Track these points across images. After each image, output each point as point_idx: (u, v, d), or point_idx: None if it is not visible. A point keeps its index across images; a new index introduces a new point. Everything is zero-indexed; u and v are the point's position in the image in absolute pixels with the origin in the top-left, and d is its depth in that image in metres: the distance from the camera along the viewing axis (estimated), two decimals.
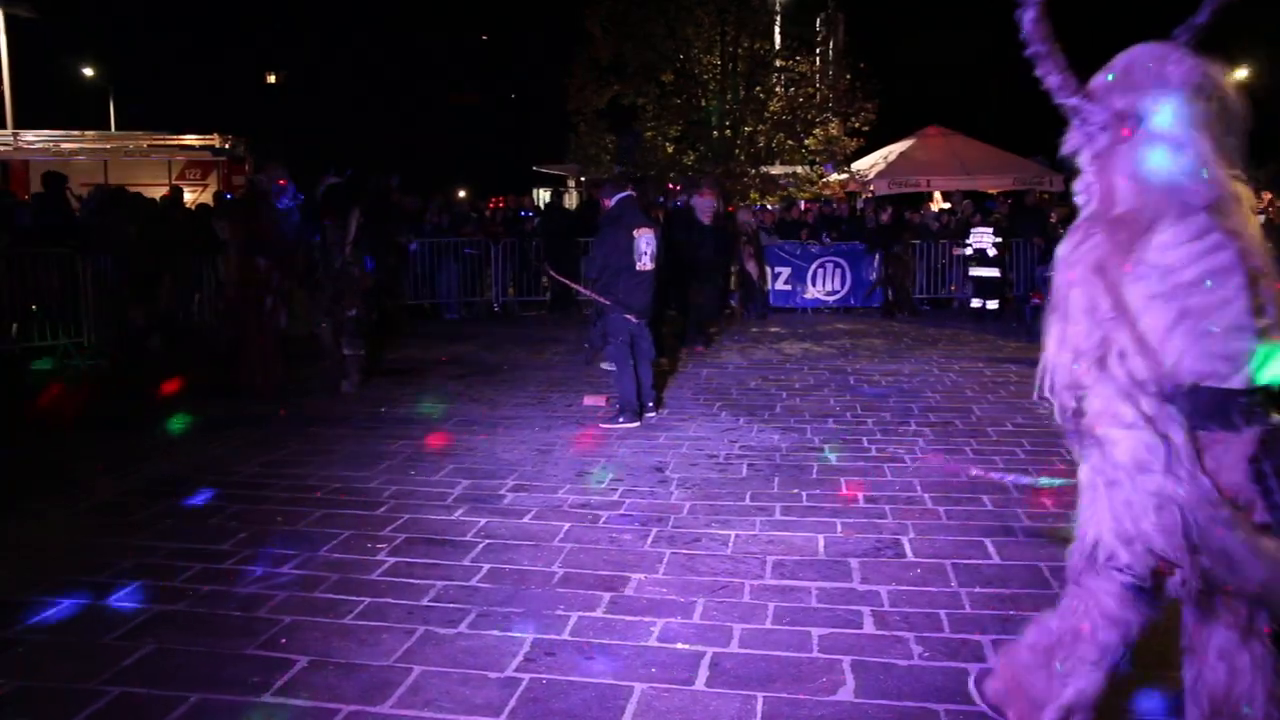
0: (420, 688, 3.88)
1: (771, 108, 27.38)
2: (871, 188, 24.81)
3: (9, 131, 23.87)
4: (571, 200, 30.42)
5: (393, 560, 5.25)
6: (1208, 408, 2.87)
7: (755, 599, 4.74)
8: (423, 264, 16.17)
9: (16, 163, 21.43)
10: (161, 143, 22.90)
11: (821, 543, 5.50)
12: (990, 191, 23.28)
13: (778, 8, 27.61)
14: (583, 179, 28.94)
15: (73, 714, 3.65)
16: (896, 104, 29.62)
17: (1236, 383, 2.82)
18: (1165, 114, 2.97)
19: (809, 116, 27.29)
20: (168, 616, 4.53)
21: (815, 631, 4.37)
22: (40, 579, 4.95)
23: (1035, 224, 16.22)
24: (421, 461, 7.24)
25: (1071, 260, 3.07)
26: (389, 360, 11.79)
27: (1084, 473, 3.12)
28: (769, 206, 21.86)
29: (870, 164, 26.88)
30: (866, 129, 27.82)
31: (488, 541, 5.55)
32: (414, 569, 5.13)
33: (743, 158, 27.02)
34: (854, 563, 5.19)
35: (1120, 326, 2.93)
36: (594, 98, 27.14)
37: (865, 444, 7.74)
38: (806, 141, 27.26)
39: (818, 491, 6.49)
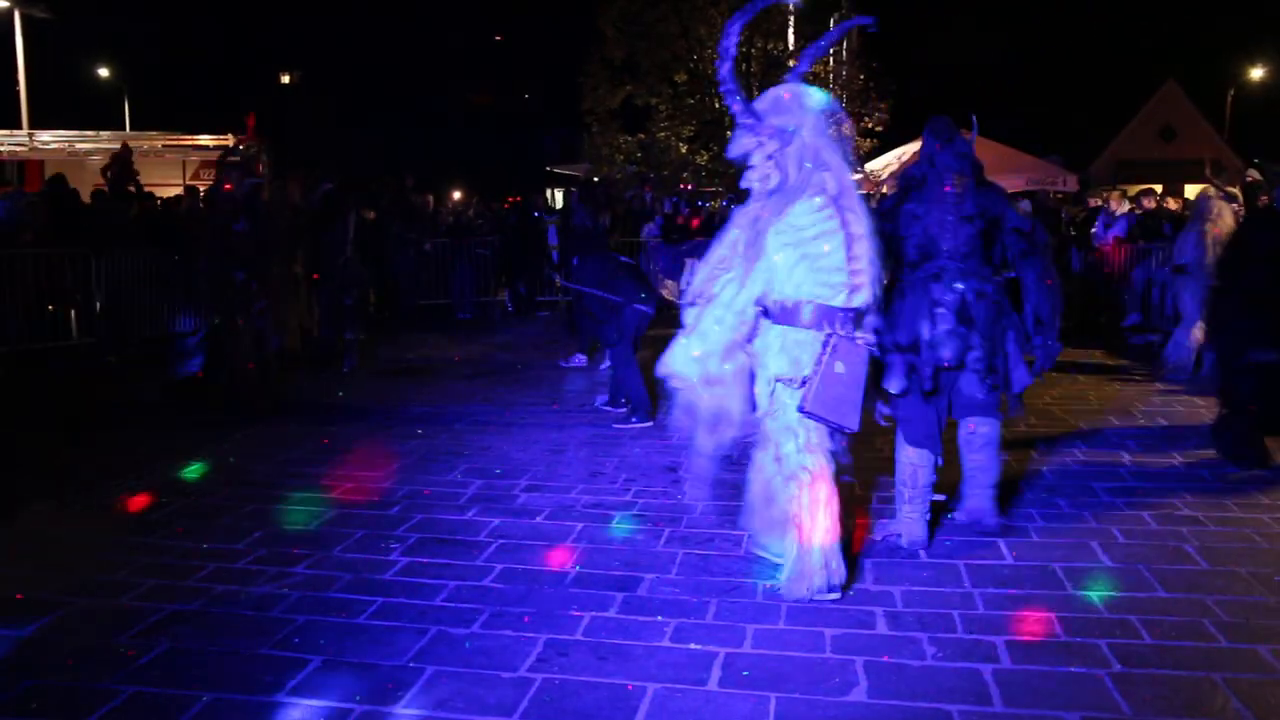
0: (433, 688, 3.88)
1: None
2: (885, 188, 24.76)
3: (24, 131, 23.95)
4: None
5: (406, 560, 5.26)
6: (826, 316, 4.54)
7: (768, 599, 4.73)
8: (436, 264, 16.17)
9: (32, 163, 21.50)
10: (175, 143, 22.93)
11: None
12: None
13: (791, 8, 27.57)
14: (595, 179, 28.96)
15: (86, 713, 3.67)
16: (910, 104, 29.57)
17: (837, 301, 4.53)
18: (809, 129, 4.61)
19: None
20: (181, 616, 4.54)
21: (828, 632, 4.36)
22: (54, 578, 4.97)
23: (1048, 224, 16.15)
24: (435, 461, 7.25)
25: (742, 217, 4.72)
26: (403, 360, 11.83)
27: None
28: None
29: (884, 164, 26.80)
30: (880, 129, 27.79)
31: (501, 542, 5.55)
32: (427, 569, 5.14)
33: None
34: (867, 563, 5.17)
35: (748, 258, 4.59)
36: (607, 98, 27.16)
37: (878, 444, 7.71)
38: None
39: None
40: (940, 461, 5.49)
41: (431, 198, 17.69)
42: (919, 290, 5.22)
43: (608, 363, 10.49)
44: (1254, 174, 14.23)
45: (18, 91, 29.25)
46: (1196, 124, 43.78)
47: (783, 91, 4.75)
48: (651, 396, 8.26)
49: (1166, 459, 7.20)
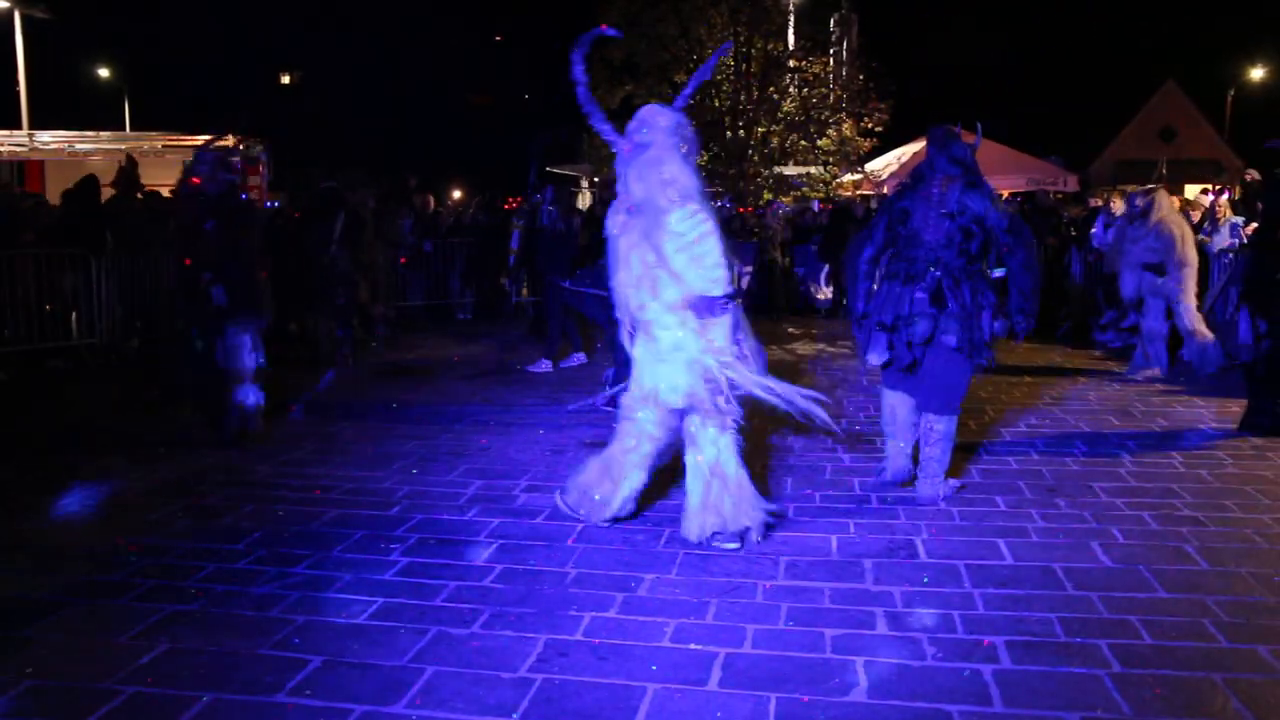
0: (433, 688, 3.88)
1: (785, 108, 27.38)
2: (885, 189, 24.77)
3: (24, 132, 23.94)
4: (584, 200, 30.41)
5: (406, 560, 5.26)
6: (708, 305, 5.27)
7: (768, 599, 4.73)
8: (436, 264, 16.16)
9: (32, 163, 21.48)
10: (176, 143, 22.91)
11: (834, 543, 5.49)
12: (1003, 193, 23.21)
13: (791, 8, 27.60)
14: (595, 179, 28.97)
15: (86, 714, 3.66)
16: (910, 104, 29.60)
17: (718, 292, 5.26)
18: (658, 145, 5.33)
19: (822, 117, 27.30)
20: (181, 616, 4.54)
21: (828, 632, 4.36)
22: (54, 578, 4.97)
23: (1048, 224, 16.14)
24: (435, 461, 7.25)
25: (626, 230, 5.42)
26: (403, 360, 11.83)
27: (639, 350, 5.50)
28: (784, 206, 21.84)
29: (884, 164, 26.87)
30: (880, 130, 27.82)
31: (501, 542, 5.55)
32: (427, 569, 5.14)
33: (756, 158, 27.02)
34: (867, 563, 5.18)
35: (662, 267, 5.25)
36: (607, 98, 27.18)
37: (879, 444, 7.71)
38: (820, 142, 27.25)
39: (831, 492, 6.48)
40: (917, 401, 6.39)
41: (432, 197, 17.67)
42: (902, 275, 6.14)
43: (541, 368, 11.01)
44: (1253, 174, 14.23)
45: (18, 91, 29.25)
46: (1196, 124, 43.81)
47: (642, 112, 5.53)
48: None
49: (1166, 459, 7.21)
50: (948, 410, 6.19)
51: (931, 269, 6.05)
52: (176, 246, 8.03)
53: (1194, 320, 10.41)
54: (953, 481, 6.43)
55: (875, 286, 6.32)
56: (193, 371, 7.87)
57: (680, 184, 5.27)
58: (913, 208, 6.16)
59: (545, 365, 11.09)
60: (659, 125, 5.38)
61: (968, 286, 6.04)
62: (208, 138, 8.73)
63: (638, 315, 5.46)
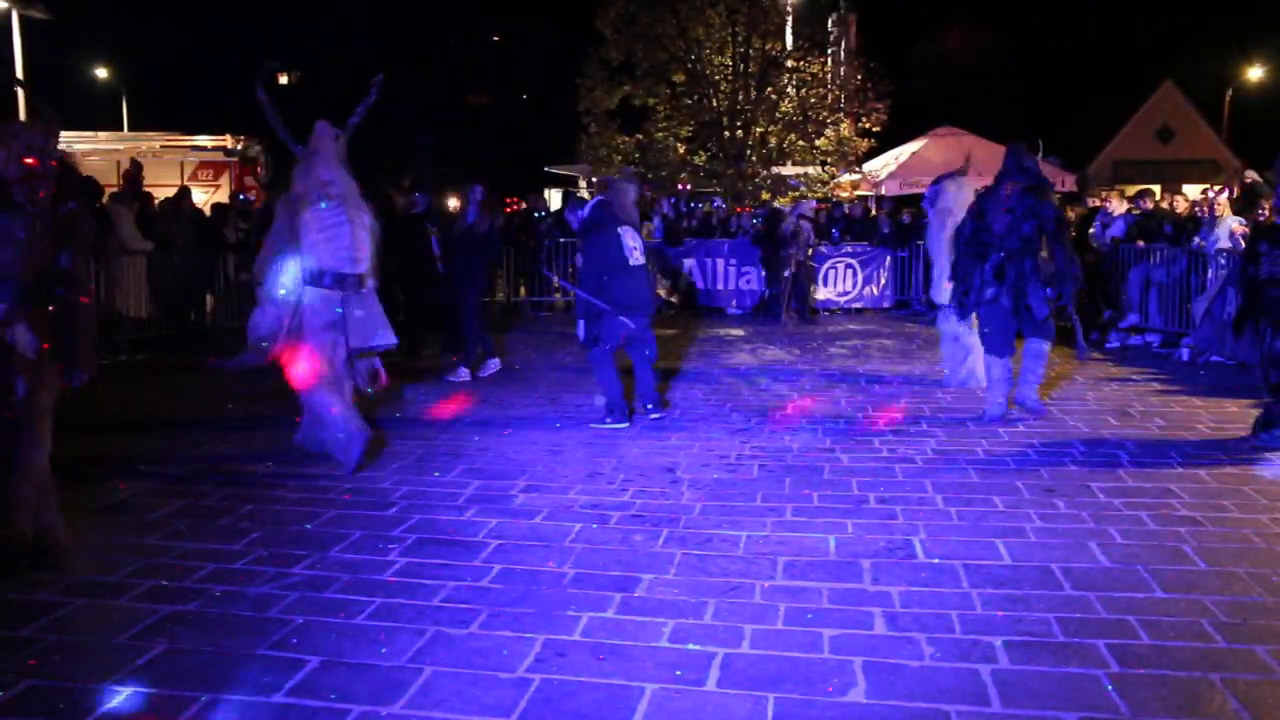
0: (431, 688, 3.88)
1: (783, 108, 27.37)
2: (883, 188, 24.79)
3: None
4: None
5: (404, 560, 5.26)
6: (339, 281, 6.77)
7: (766, 600, 4.74)
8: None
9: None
10: (174, 143, 22.93)
11: (832, 544, 5.49)
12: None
13: (789, 8, 27.58)
14: (594, 179, 28.99)
15: (86, 714, 3.67)
16: (908, 104, 29.60)
17: (347, 270, 6.79)
18: (325, 148, 6.87)
19: (820, 117, 27.29)
20: (179, 616, 4.54)
21: (826, 632, 4.36)
22: (54, 578, 4.97)
23: None
24: (433, 462, 7.25)
25: (285, 215, 6.94)
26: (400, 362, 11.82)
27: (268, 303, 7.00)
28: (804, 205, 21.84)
29: (882, 164, 26.85)
30: (878, 129, 27.81)
31: (499, 542, 5.55)
32: (425, 569, 5.14)
33: (754, 158, 27.02)
34: (865, 564, 5.18)
35: (299, 245, 6.76)
36: (605, 98, 27.20)
37: (877, 444, 7.73)
38: (818, 142, 27.25)
39: (829, 492, 6.48)
40: (1009, 366, 8.39)
41: (416, 197, 17.62)
42: (976, 256, 8.20)
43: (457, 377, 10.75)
44: (1252, 175, 14.24)
45: (15, 92, 29.21)
46: (1194, 124, 43.74)
47: (317, 125, 6.97)
48: (628, 397, 8.33)
49: (1164, 460, 7.21)
50: (1041, 334, 8.26)
51: (998, 252, 8.06)
52: None
53: (952, 325, 9.77)
54: (1042, 405, 8.67)
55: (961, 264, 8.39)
56: None
57: (332, 184, 6.76)
58: (987, 205, 8.21)
59: (464, 374, 10.78)
60: (326, 137, 6.93)
61: (1021, 263, 8.00)
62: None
63: (270, 282, 6.92)
